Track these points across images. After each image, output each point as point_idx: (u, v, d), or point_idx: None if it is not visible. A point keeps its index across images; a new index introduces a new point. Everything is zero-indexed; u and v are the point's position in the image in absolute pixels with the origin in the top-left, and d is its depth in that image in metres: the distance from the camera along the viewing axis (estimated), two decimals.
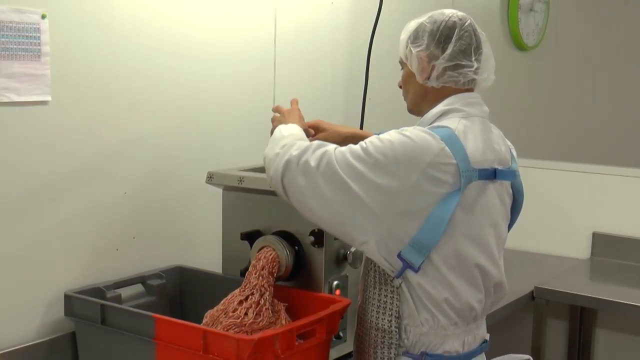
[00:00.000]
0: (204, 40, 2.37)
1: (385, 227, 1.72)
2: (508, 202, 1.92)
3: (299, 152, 1.78)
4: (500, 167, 1.83)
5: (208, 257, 2.35)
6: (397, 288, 1.77)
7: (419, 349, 1.79)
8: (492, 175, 1.80)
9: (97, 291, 2.02)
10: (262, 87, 2.60)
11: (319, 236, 1.99)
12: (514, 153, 1.99)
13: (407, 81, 1.91)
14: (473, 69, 1.83)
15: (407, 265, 1.74)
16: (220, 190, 2.21)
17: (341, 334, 2.04)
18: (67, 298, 1.97)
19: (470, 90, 1.88)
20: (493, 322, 2.47)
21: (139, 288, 2.17)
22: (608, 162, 3.46)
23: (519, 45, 4.13)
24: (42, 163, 1.97)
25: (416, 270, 1.74)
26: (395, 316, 1.78)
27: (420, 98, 1.89)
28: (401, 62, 1.93)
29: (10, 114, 1.89)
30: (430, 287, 1.76)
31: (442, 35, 1.82)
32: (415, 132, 1.74)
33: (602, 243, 3.25)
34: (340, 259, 2.06)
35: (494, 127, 1.93)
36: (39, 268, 1.99)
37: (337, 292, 2.04)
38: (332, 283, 2.03)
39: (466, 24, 1.84)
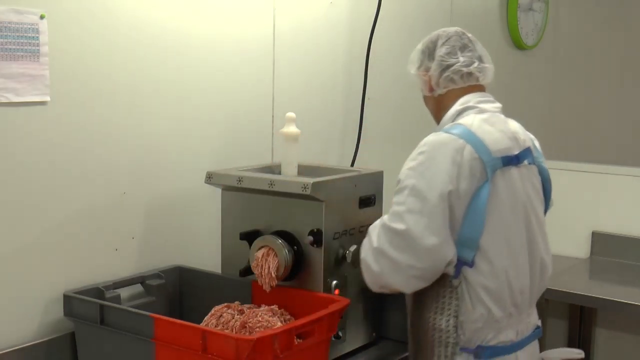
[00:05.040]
0: (203, 40, 2.37)
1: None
2: (539, 186, 2.03)
3: (364, 248, 1.92)
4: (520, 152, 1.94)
5: (207, 257, 2.35)
6: (456, 288, 1.87)
7: (475, 343, 1.88)
8: (514, 160, 1.91)
9: (96, 291, 2.02)
10: (261, 87, 2.60)
11: (317, 236, 1.99)
12: (537, 144, 2.10)
13: (425, 101, 2.12)
14: (460, 63, 1.98)
15: (462, 262, 1.84)
16: (219, 190, 2.21)
17: (340, 333, 2.04)
18: (67, 298, 1.97)
19: (478, 87, 2.02)
20: None
21: (138, 288, 2.18)
22: (608, 161, 3.45)
23: (518, 44, 4.12)
24: (41, 163, 1.97)
25: (471, 265, 1.84)
26: (453, 315, 1.87)
27: (437, 109, 2.07)
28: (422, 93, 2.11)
29: (9, 115, 1.89)
30: (486, 280, 1.86)
31: (428, 48, 2.04)
32: (434, 144, 1.87)
33: (602, 242, 3.25)
34: (340, 259, 2.06)
35: (511, 121, 2.04)
36: (39, 268, 1.99)
37: (336, 291, 2.04)
38: (331, 283, 2.03)
39: (450, 31, 2.04)
